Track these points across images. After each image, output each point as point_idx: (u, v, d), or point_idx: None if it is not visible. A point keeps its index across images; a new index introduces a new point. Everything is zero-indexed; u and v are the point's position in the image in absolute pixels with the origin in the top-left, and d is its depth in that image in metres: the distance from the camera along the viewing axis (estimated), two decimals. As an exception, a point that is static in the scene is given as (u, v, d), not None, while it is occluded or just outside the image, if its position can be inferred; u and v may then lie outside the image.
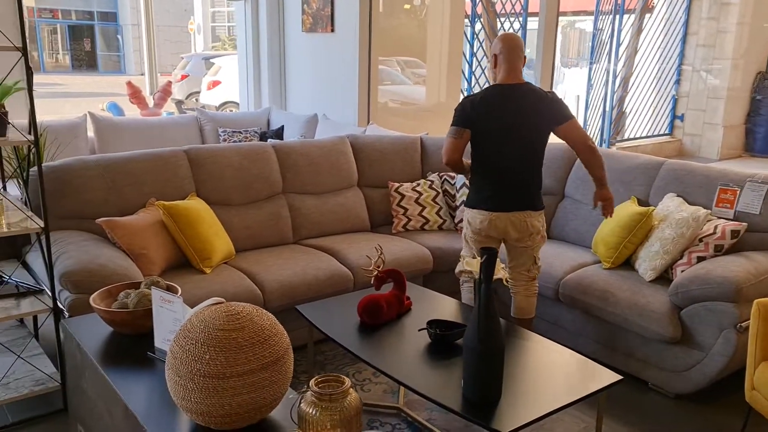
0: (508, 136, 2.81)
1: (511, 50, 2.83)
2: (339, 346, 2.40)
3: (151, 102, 6.61)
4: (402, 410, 2.75)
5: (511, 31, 7.34)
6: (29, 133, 2.50)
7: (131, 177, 3.14)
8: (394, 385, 2.91)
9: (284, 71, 6.17)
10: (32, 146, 2.51)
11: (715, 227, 3.01)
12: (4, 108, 2.46)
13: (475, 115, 2.82)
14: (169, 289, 2.16)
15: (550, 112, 2.82)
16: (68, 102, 13.70)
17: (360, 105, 5.30)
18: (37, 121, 2.45)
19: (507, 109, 2.80)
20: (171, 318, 1.93)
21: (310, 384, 1.41)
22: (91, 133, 5.08)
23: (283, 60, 6.14)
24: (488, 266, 1.95)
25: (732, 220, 3.08)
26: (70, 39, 25.81)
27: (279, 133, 5.54)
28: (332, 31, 5.45)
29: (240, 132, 5.58)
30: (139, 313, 2.03)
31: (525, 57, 2.90)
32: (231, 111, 10.92)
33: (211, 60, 13.50)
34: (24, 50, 2.28)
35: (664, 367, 2.89)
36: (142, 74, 21.71)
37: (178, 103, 13.18)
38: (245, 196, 3.46)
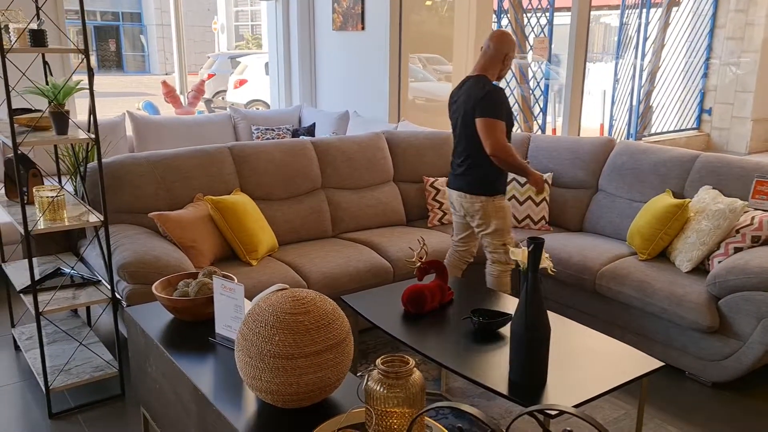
0: (456, 122, 3.11)
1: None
2: (385, 334, 2.49)
3: (185, 101, 6.77)
4: (445, 397, 2.84)
5: (537, 26, 7.36)
6: (89, 131, 2.63)
7: (179, 173, 3.26)
8: (436, 373, 3.00)
9: (314, 69, 6.27)
10: (92, 144, 2.63)
11: (752, 218, 3.04)
12: (65, 107, 2.59)
13: (451, 102, 3.20)
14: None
15: (473, 103, 3.00)
16: (98, 102, 13.96)
17: (391, 102, 5.39)
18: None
19: (458, 99, 3.11)
20: (232, 305, 2.04)
21: (377, 363, 1.49)
22: (129, 132, 5.24)
23: (314, 58, 6.24)
24: (535, 255, 2.02)
25: (768, 211, 3.11)
26: (96, 40, 26.25)
27: (311, 130, 5.65)
28: (363, 29, 5.54)
29: (273, 129, 5.70)
30: (200, 301, 2.14)
31: (483, 48, 3.09)
32: (258, 109, 11.07)
33: (237, 59, 13.68)
34: (86, 52, 2.39)
35: (702, 356, 2.94)
36: (167, 74, 22.04)
37: (207, 101, 13.39)
38: (286, 191, 3.57)
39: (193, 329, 2.16)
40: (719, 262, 2.97)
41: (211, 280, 2.22)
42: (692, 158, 3.51)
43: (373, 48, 5.46)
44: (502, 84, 7.07)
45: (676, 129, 9.48)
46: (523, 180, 3.88)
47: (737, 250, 2.99)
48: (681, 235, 3.21)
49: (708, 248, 3.07)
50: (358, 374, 1.58)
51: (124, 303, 2.70)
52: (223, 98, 13.26)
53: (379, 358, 1.51)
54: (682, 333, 2.98)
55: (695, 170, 3.45)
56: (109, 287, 2.73)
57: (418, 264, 2.70)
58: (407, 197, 4.01)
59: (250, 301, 2.19)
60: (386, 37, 5.29)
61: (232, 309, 2.04)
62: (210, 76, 13.69)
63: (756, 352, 2.76)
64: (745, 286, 2.76)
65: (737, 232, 3.05)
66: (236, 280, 2.26)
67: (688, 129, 9.65)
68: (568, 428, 1.30)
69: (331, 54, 6.00)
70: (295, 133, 5.62)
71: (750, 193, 3.21)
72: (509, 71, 3.14)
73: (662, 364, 2.23)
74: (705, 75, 9.59)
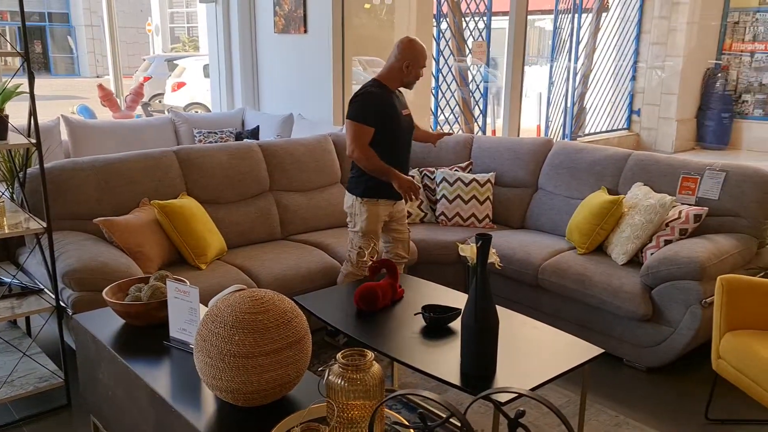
0: None
1: None
2: (339, 332, 2.53)
3: (122, 104, 6.59)
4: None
5: (476, 30, 7.56)
6: (28, 136, 2.56)
7: (123, 177, 3.21)
8: (388, 370, 3.05)
9: (257, 72, 6.24)
10: (32, 149, 2.56)
11: (680, 212, 3.25)
12: (3, 112, 2.51)
13: None
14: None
15: (349, 104, 3.10)
16: (23, 105, 13.37)
17: (335, 104, 5.42)
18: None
19: None
20: (187, 308, 2.04)
21: (337, 357, 1.54)
22: (65, 137, 5.07)
23: (256, 61, 6.21)
24: (483, 250, 2.11)
25: (694, 205, 3.33)
26: (20, 41, 25.08)
27: (255, 134, 5.61)
28: (305, 32, 5.56)
29: (215, 133, 5.63)
30: (153, 305, 2.13)
31: (396, 54, 3.08)
32: (197, 112, 10.88)
33: (174, 61, 13.40)
34: (26, 55, 2.34)
35: (638, 344, 3.11)
36: (98, 76, 21.29)
37: (145, 105, 13.05)
38: (235, 194, 3.56)
39: (146, 334, 2.14)
40: (651, 254, 3.16)
41: (164, 284, 2.20)
42: (625, 157, 3.71)
43: (316, 51, 5.48)
44: (444, 86, 7.23)
45: (608, 129, 9.91)
46: (467, 179, 4.00)
47: (667, 242, 3.18)
48: (616, 230, 3.38)
49: (641, 241, 3.25)
50: (319, 369, 1.62)
51: (69, 311, 2.64)
52: (160, 101, 12.96)
53: (339, 353, 1.56)
54: (619, 322, 3.15)
55: (628, 168, 3.65)
56: (52, 296, 2.67)
57: (369, 263, 2.76)
58: (354, 198, 4.05)
59: (203, 305, 2.19)
60: (329, 40, 5.32)
61: (187, 312, 2.04)
62: (146, 79, 13.34)
63: (685, 338, 2.95)
64: (675, 276, 2.95)
65: (667, 225, 3.25)
66: (188, 284, 2.26)
67: (620, 129, 10.10)
68: (521, 408, 1.38)
69: (274, 57, 5.98)
70: (239, 136, 5.58)
71: (677, 188, 3.42)
72: (416, 81, 3.12)
73: (602, 351, 2.36)
74: (633, 78, 10.06)
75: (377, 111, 3.01)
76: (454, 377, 2.17)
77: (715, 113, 9.90)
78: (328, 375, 1.53)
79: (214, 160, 3.51)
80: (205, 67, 9.81)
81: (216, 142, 5.49)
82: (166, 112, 7.10)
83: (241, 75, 6.20)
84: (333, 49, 5.34)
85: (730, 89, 9.92)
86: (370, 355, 1.57)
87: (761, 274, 3.11)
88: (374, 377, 1.55)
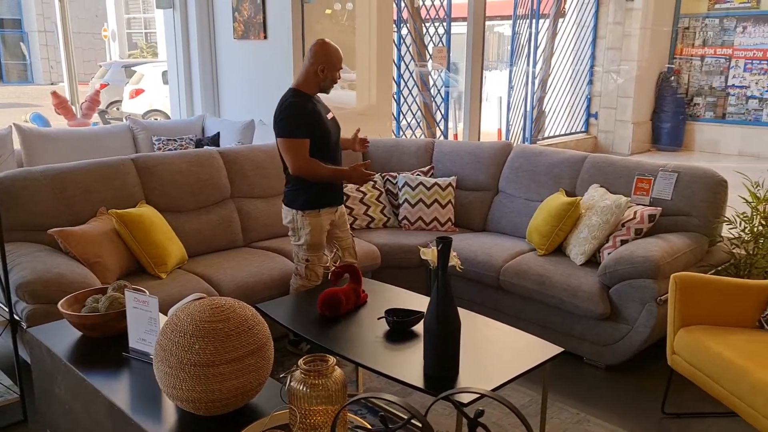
0: None
1: None
2: (302, 338, 2.53)
3: (78, 112, 6.44)
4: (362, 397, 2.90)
5: (436, 35, 7.64)
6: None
7: (79, 187, 3.14)
8: (352, 376, 3.06)
9: (216, 78, 6.18)
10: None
11: (635, 213, 3.34)
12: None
13: None
14: (138, 292, 2.22)
15: (274, 122, 3.03)
16: (-24, 115, 12.96)
17: (297, 110, 5.41)
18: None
19: None
20: (146, 318, 2.01)
21: (299, 363, 1.54)
22: (17, 146, 4.93)
23: (215, 67, 6.15)
24: (444, 253, 2.14)
25: (648, 206, 3.42)
26: (-31, 48, 24.34)
27: (215, 140, 5.55)
28: (265, 38, 5.53)
29: (175, 140, 5.55)
30: (111, 316, 2.09)
31: (310, 59, 3.03)
32: (156, 119, 10.70)
33: (132, 68, 13.16)
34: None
35: (596, 342, 3.18)
36: (52, 83, 20.74)
37: (102, 113, 12.78)
38: (195, 202, 3.52)
39: (104, 346, 2.10)
40: (609, 253, 3.23)
41: (122, 294, 2.17)
42: (581, 159, 3.80)
43: (276, 57, 5.46)
44: (405, 91, 7.28)
45: (567, 132, 10.11)
46: (429, 183, 4.03)
47: (624, 242, 3.27)
48: (574, 231, 3.46)
49: (598, 242, 3.33)
50: (281, 376, 1.61)
51: (23, 324, 2.57)
52: (118, 109, 12.71)
53: (301, 359, 1.56)
54: (578, 321, 3.21)
55: (584, 170, 3.73)
56: (6, 309, 2.59)
57: (332, 268, 2.76)
58: (317, 204, 4.04)
59: (163, 314, 2.16)
60: (289, 45, 5.31)
61: (146, 322, 2.01)
62: (103, 85, 13.07)
63: (642, 335, 3.02)
64: (631, 275, 3.03)
65: (623, 225, 3.33)
66: (148, 294, 2.22)
67: (578, 132, 10.31)
68: (480, 408, 1.40)
69: (234, 63, 5.94)
70: (199, 144, 5.52)
71: (632, 189, 3.51)
72: (334, 84, 3.05)
73: (562, 350, 2.41)
74: (590, 82, 10.29)
75: (305, 121, 2.96)
76: (417, 380, 2.19)
77: (669, 116, 10.20)
78: (290, 381, 1.53)
79: (173, 168, 3.46)
80: (164, 74, 9.65)
81: (176, 149, 5.42)
82: (124, 120, 6.96)
83: (201, 81, 6.14)
84: (294, 54, 5.33)
85: (682, 92, 10.23)
86: (332, 360, 1.57)
87: (712, 271, 3.22)
88: (336, 382, 1.55)
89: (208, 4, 5.97)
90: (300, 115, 2.95)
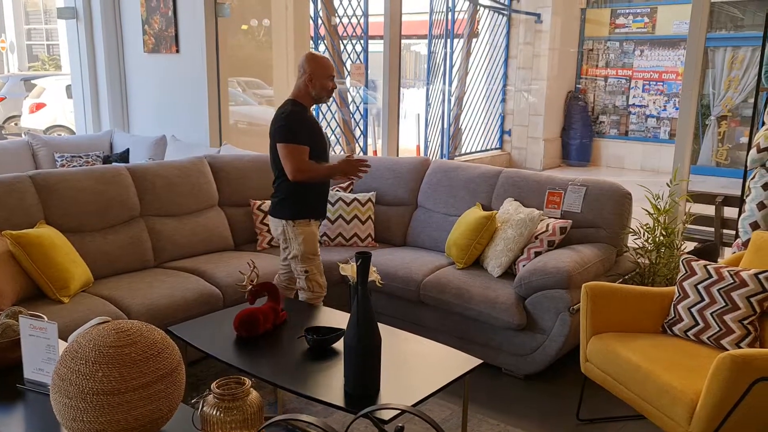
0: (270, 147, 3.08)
1: None
2: (217, 360, 2.43)
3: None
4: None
5: (353, 53, 7.68)
6: None
7: (-31, 206, 2.90)
8: (273, 397, 2.97)
9: (126, 92, 5.93)
10: None
11: (547, 225, 3.45)
12: None
13: None
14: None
15: (273, 129, 3.05)
16: None
17: (211, 126, 5.27)
18: None
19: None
20: (44, 346, 1.86)
21: (212, 387, 1.46)
22: None
23: (124, 81, 5.90)
24: (363, 269, 2.11)
25: (560, 218, 3.55)
26: None
27: (125, 157, 5.32)
28: (177, 51, 5.37)
29: (80, 156, 5.28)
30: (4, 345, 1.93)
31: (300, 71, 3.04)
32: (61, 135, 10.15)
33: (32, 81, 12.46)
34: None
35: (514, 353, 3.24)
36: (-55, 97, 19.28)
37: (-2, 128, 12.00)
38: (101, 221, 3.33)
39: (-4, 378, 1.93)
40: (524, 265, 3.32)
41: (17, 321, 2.00)
42: (496, 174, 3.89)
43: (189, 71, 5.31)
44: (324, 107, 7.26)
45: (482, 149, 10.41)
46: (348, 199, 4.01)
47: (537, 254, 3.36)
48: (491, 244, 3.53)
49: (514, 254, 3.41)
50: (192, 401, 1.53)
51: None
52: (16, 124, 11.97)
53: (214, 382, 1.49)
54: (497, 333, 3.27)
55: (499, 185, 3.83)
56: None
57: (249, 287, 2.67)
58: (234, 221, 3.94)
59: (64, 341, 2.02)
60: (203, 60, 5.18)
61: (44, 350, 1.86)
62: (0, 99, 12.30)
63: (557, 344, 3.11)
64: (545, 286, 3.12)
65: (536, 238, 3.43)
66: (46, 319, 2.07)
67: (493, 149, 10.65)
68: (399, 425, 1.38)
69: (144, 77, 5.72)
70: (107, 160, 5.26)
71: (544, 203, 3.63)
72: (329, 94, 3.06)
73: (480, 361, 2.43)
74: (503, 100, 10.67)
75: (306, 129, 2.99)
76: (337, 398, 2.15)
77: (577, 133, 10.72)
78: (203, 406, 1.46)
79: (76, 186, 3.27)
80: (68, 88, 9.18)
81: (81, 166, 5.14)
82: (23, 135, 6.55)
83: (109, 95, 5.87)
84: (208, 69, 5.20)
85: (588, 111, 10.79)
86: (247, 382, 1.51)
87: (620, 280, 3.37)
88: (252, 405, 1.49)
89: (115, 15, 5.74)
90: (300, 122, 2.98)
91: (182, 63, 5.35)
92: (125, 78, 5.88)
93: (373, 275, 2.27)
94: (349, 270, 2.25)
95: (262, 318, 2.59)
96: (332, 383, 2.24)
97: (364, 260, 2.13)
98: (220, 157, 4.08)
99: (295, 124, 2.97)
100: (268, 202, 3.93)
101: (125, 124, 5.97)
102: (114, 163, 4.80)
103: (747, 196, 3.27)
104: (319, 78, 3.00)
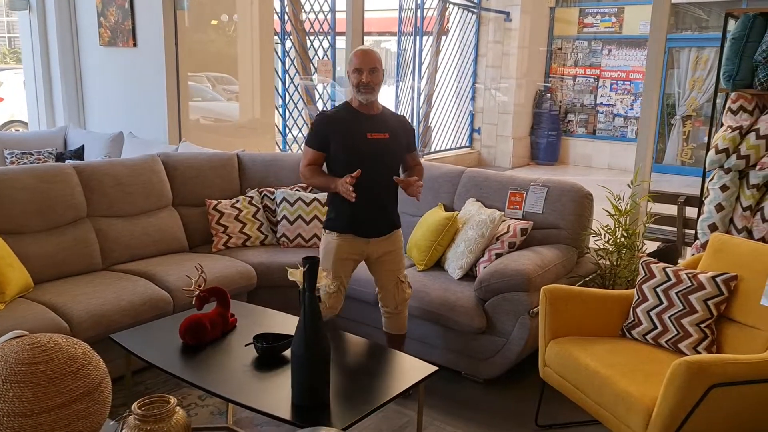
0: None
1: None
2: (160, 371, 2.31)
3: None
4: (232, 430, 2.71)
5: (321, 49, 7.56)
6: None
7: None
8: (222, 405, 2.86)
9: (81, 87, 5.73)
10: None
11: (509, 227, 3.39)
12: None
13: None
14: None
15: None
16: None
17: (170, 122, 5.11)
18: None
19: None
20: (-39, 360, 1.72)
21: (133, 407, 1.36)
22: None
23: (80, 75, 5.70)
24: (311, 274, 2.02)
25: (521, 219, 3.49)
26: None
27: (79, 154, 5.13)
28: (135, 45, 5.20)
29: (31, 154, 5.07)
30: None
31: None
32: (17, 131, 9.84)
33: (-9, 74, 12.05)
34: None
35: (474, 356, 3.18)
36: None
37: (-49, 123, 11.57)
38: (44, 222, 3.17)
39: None
40: (484, 267, 3.25)
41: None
42: (459, 174, 3.82)
43: (147, 66, 5.14)
44: (291, 105, 7.11)
45: (452, 147, 10.36)
46: (308, 199, 3.90)
47: (498, 255, 3.30)
48: (452, 245, 3.46)
49: (475, 256, 3.35)
50: (110, 423, 1.42)
51: None
52: (-27, 119, 11.56)
53: (136, 402, 1.38)
54: (457, 336, 3.20)
55: (462, 184, 3.76)
56: None
57: (197, 292, 2.56)
58: (189, 222, 3.80)
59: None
60: (161, 54, 5.02)
61: (-39, 365, 1.73)
62: (-44, 93, 11.87)
63: (517, 348, 3.05)
64: (505, 288, 3.05)
65: (497, 239, 3.37)
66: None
67: (463, 147, 10.60)
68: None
69: (100, 71, 5.53)
70: (60, 157, 5.07)
71: (506, 203, 3.57)
72: (362, 89, 2.80)
73: (436, 368, 2.36)
74: (473, 98, 10.63)
75: (322, 132, 2.87)
76: (285, 411, 2.05)
77: (545, 131, 10.74)
78: (123, 428, 1.35)
79: (15, 184, 3.10)
80: (27, 82, 8.87)
81: (32, 164, 4.94)
82: (-26, 131, 6.29)
83: (63, 90, 5.66)
84: (166, 64, 5.04)
85: (557, 109, 10.81)
86: (173, 400, 1.40)
87: (580, 282, 3.33)
88: (178, 425, 1.39)
89: (69, 7, 5.53)
90: (320, 124, 2.90)
91: (140, 57, 5.18)
92: (80, 72, 5.68)
93: (323, 280, 2.18)
94: (297, 275, 2.15)
95: (209, 324, 2.48)
96: (280, 394, 2.15)
97: (311, 264, 2.04)
98: (176, 155, 3.94)
99: (314, 126, 2.94)
100: (225, 202, 3.83)
101: (81, 120, 5.77)
102: (68, 161, 4.63)
103: (706, 197, 3.26)
104: (350, 72, 2.86)
